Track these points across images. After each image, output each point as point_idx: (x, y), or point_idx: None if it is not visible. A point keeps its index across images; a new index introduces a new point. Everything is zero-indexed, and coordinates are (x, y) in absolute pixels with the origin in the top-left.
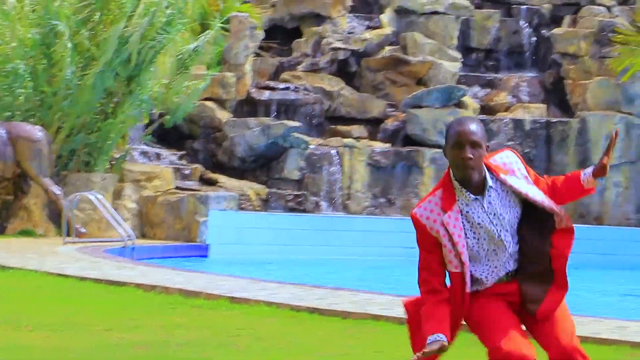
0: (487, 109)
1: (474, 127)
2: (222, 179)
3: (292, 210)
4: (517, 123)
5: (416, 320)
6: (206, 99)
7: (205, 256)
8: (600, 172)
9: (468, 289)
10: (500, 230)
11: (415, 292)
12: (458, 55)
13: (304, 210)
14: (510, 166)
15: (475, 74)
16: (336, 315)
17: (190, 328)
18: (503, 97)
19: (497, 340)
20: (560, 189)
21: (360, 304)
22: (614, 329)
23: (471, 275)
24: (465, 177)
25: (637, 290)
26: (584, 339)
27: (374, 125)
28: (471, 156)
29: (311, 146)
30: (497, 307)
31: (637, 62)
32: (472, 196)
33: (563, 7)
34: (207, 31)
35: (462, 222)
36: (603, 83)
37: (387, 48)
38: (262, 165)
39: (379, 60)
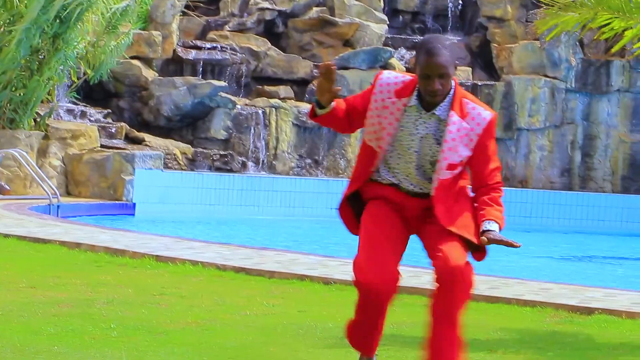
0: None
1: (443, 57)
2: (148, 137)
3: (218, 169)
4: None
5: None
6: (132, 58)
7: (131, 215)
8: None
9: (373, 168)
10: (415, 152)
11: (338, 253)
12: (385, 17)
13: (231, 170)
14: (470, 119)
15: (401, 36)
16: (262, 274)
17: (115, 286)
18: None
19: (360, 260)
20: (476, 198)
21: (285, 264)
22: (537, 290)
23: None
24: (431, 103)
25: (560, 252)
26: (508, 301)
27: (300, 85)
28: (440, 87)
29: (238, 106)
30: (381, 219)
31: (562, 22)
32: (418, 104)
33: None
34: None
35: (400, 117)
36: (528, 47)
37: (314, 9)
38: (188, 124)
39: (306, 21)
